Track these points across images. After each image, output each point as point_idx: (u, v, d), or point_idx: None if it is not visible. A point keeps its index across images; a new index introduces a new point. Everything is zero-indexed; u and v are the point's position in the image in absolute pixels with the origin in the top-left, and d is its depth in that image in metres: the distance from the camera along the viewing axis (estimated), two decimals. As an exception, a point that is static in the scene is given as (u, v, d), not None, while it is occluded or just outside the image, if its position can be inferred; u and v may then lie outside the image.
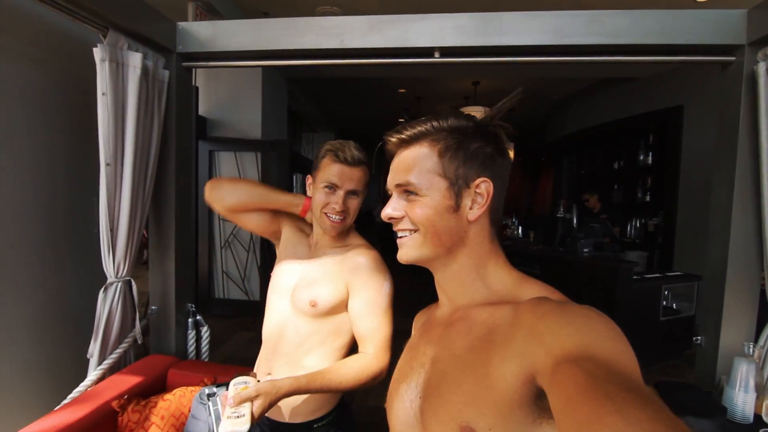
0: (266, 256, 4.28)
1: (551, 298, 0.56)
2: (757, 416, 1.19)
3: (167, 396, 1.45)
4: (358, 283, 1.09)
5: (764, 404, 1.18)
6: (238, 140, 4.22)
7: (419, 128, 0.66)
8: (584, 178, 6.57)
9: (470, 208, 0.64)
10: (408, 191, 0.66)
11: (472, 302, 0.65)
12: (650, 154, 5.07)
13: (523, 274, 0.66)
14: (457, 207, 0.64)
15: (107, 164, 1.46)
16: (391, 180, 0.69)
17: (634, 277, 3.23)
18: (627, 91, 5.22)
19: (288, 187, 4.41)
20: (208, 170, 4.15)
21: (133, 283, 1.63)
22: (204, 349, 1.89)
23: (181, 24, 1.68)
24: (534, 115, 7.55)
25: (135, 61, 1.47)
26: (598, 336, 0.46)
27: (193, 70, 1.86)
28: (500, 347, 0.54)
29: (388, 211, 0.68)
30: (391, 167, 0.70)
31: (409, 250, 0.67)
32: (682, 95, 4.42)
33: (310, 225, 1.26)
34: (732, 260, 1.47)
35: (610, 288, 3.17)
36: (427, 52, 1.62)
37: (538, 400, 0.50)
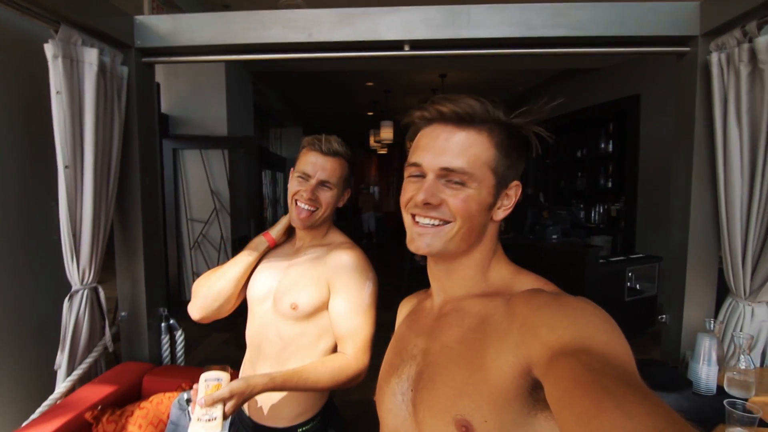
0: (238, 255, 4.19)
1: (545, 290, 0.56)
2: (720, 387, 1.27)
3: (144, 404, 1.40)
4: (340, 283, 1.07)
5: (725, 376, 1.25)
6: (203, 137, 4.09)
7: (474, 107, 0.59)
8: (550, 166, 6.76)
9: (498, 208, 0.64)
10: (453, 179, 0.60)
11: (467, 294, 0.65)
12: (611, 142, 5.27)
13: (518, 267, 0.66)
14: (492, 205, 0.63)
15: (66, 167, 1.38)
16: (433, 160, 0.61)
17: (600, 260, 3.37)
18: (588, 81, 5.39)
19: (258, 184, 4.32)
20: (173, 169, 4.01)
21: (100, 289, 1.56)
22: (179, 354, 1.83)
23: (139, 17, 1.60)
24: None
25: (90, 57, 1.39)
26: (594, 329, 0.46)
27: (154, 65, 1.79)
28: (495, 339, 0.54)
29: (424, 197, 0.60)
30: (429, 143, 0.62)
31: (434, 241, 0.61)
32: (638, 85, 4.62)
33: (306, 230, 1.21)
34: (692, 242, 1.55)
35: (578, 272, 3.29)
36: (397, 45, 1.62)
37: (533, 392, 0.51)
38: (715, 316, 1.52)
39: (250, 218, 4.20)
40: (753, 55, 1.30)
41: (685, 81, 1.59)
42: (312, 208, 1.10)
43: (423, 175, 0.63)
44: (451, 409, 0.55)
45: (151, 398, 1.43)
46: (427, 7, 1.56)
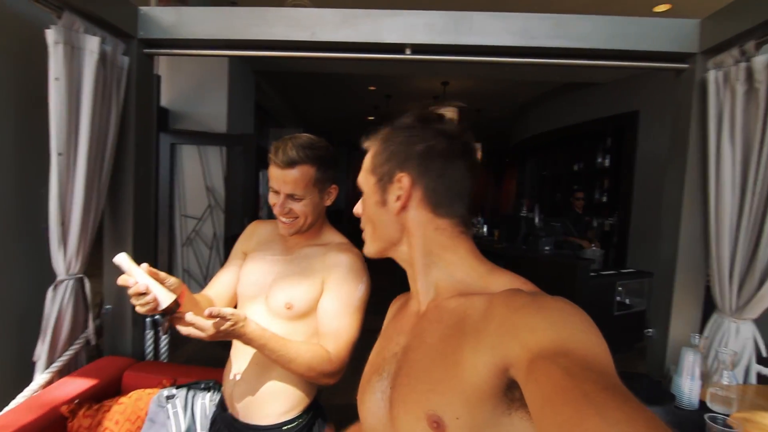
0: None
1: (524, 290, 0.56)
2: (702, 403, 1.27)
3: (122, 399, 1.38)
4: (334, 281, 1.06)
5: (708, 391, 1.25)
6: (202, 133, 4.07)
7: (372, 136, 0.73)
8: (546, 179, 6.80)
9: (396, 202, 0.67)
10: (361, 191, 0.73)
11: (439, 292, 0.66)
12: (607, 157, 5.30)
13: (494, 265, 0.66)
14: (383, 202, 0.68)
15: (59, 154, 1.37)
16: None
17: (591, 274, 3.38)
18: (587, 95, 5.44)
19: (254, 184, 4.30)
20: (170, 164, 3.99)
21: (86, 280, 1.54)
22: (163, 350, 1.81)
23: (143, 8, 1.60)
24: (500, 117, 7.73)
25: (92, 45, 1.39)
26: (572, 330, 0.47)
27: (156, 58, 1.78)
28: (472, 337, 0.54)
29: (355, 209, 0.76)
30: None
31: (366, 246, 0.74)
32: (638, 101, 4.66)
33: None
34: (681, 258, 1.56)
35: (569, 284, 3.30)
36: (398, 48, 1.62)
37: (508, 392, 0.51)
38: (701, 332, 1.53)
39: (245, 217, 4.17)
40: (749, 75, 1.31)
41: (682, 97, 1.60)
42: (290, 220, 1.08)
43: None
44: (424, 404, 0.55)
45: (130, 394, 1.41)
46: (430, 11, 1.57)
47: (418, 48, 1.62)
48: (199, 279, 4.17)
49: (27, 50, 1.53)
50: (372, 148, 0.72)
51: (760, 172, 1.31)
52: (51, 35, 1.32)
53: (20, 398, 1.35)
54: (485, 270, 0.65)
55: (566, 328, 0.47)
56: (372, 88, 6.35)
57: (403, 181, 0.66)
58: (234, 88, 4.32)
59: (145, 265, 0.88)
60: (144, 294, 0.85)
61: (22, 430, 1.15)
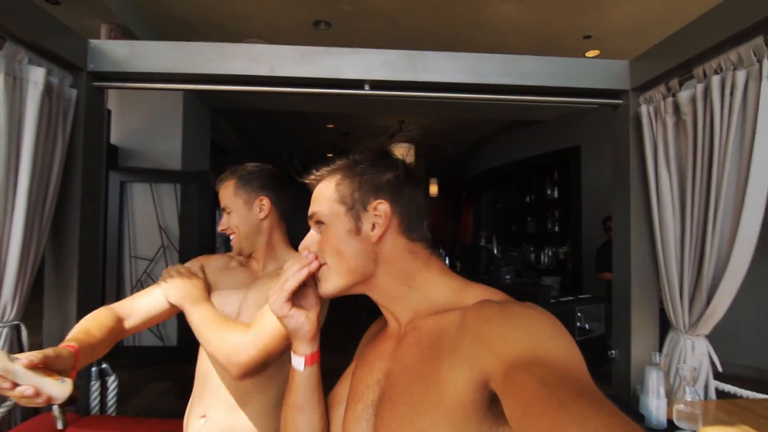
0: (184, 295, 3.93)
1: (494, 300, 0.57)
2: (670, 421, 1.29)
3: (61, 461, 1.23)
4: None
5: (674, 409, 1.29)
6: (155, 171, 3.93)
7: (327, 168, 0.72)
8: (501, 211, 7.06)
9: (372, 230, 0.66)
10: (317, 221, 0.69)
11: (417, 314, 0.65)
12: (556, 188, 5.61)
13: (466, 280, 0.67)
14: (357, 230, 0.66)
15: (-5, 189, 1.27)
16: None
17: (551, 300, 3.47)
18: (533, 132, 5.80)
19: (210, 221, 4.16)
20: (119, 203, 3.80)
21: (23, 328, 1.40)
22: (110, 403, 1.65)
23: (93, 41, 1.56)
24: (455, 153, 8.05)
25: (36, 76, 1.33)
26: (543, 337, 0.47)
27: (106, 93, 1.73)
28: (449, 354, 0.54)
29: (306, 243, 0.70)
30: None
31: (328, 282, 0.67)
32: (578, 137, 5.02)
33: (248, 256, 1.23)
34: (635, 279, 1.64)
35: (531, 312, 3.37)
36: (357, 84, 1.67)
37: (492, 405, 0.50)
38: (660, 350, 1.59)
39: (200, 255, 4.01)
40: (676, 108, 1.45)
41: (619, 130, 1.74)
42: (230, 235, 1.17)
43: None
44: (408, 427, 0.54)
45: (72, 453, 1.26)
46: (387, 50, 1.64)
47: (376, 84, 1.67)
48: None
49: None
50: (331, 177, 0.70)
51: (696, 195, 1.42)
52: (-8, 66, 1.26)
53: (-67, 471, 1.17)
54: (458, 286, 0.66)
55: (537, 335, 0.48)
56: (330, 125, 6.45)
57: (379, 208, 0.65)
58: (189, 126, 4.25)
59: (24, 356, 0.73)
60: (36, 396, 0.73)
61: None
